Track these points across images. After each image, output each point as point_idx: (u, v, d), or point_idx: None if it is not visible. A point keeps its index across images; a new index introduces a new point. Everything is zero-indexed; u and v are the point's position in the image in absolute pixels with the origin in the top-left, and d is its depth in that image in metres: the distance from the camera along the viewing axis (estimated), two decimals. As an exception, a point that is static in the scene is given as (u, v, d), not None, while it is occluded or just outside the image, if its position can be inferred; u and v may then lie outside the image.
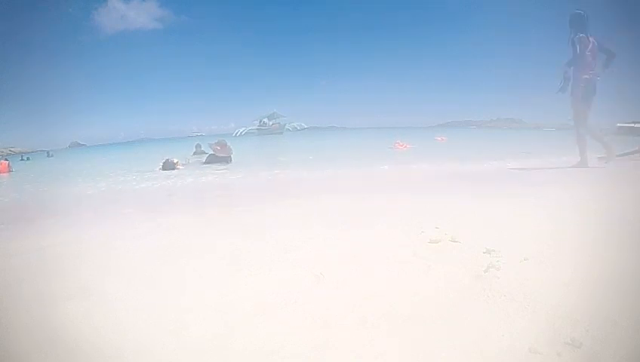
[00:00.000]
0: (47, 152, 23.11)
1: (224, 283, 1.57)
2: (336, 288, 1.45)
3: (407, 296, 1.35)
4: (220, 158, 7.80)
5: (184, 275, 1.70)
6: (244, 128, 36.75)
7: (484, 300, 1.29)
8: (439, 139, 14.16)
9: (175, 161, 7.70)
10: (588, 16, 3.86)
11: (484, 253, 1.70)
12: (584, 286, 1.37)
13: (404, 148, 10.31)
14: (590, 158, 4.31)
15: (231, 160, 7.91)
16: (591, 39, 3.84)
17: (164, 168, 7.52)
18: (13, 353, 1.17)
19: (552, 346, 1.01)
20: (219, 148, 7.92)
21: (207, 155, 8.17)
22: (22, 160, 16.90)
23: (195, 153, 10.21)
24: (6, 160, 11.41)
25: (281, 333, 1.16)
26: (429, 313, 1.23)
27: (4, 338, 1.24)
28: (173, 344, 1.14)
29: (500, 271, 1.49)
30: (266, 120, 36.98)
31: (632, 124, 17.16)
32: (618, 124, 18.19)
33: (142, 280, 1.68)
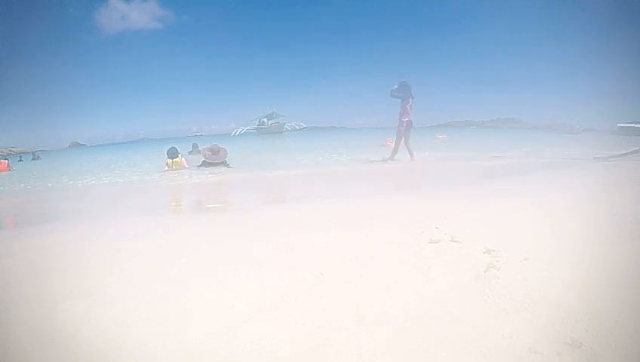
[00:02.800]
0: (33, 153, 18.07)
1: (224, 283, 1.57)
2: (336, 288, 1.45)
3: (407, 296, 1.35)
4: (213, 165, 7.43)
5: (184, 275, 1.70)
6: (242, 128, 36.80)
7: (484, 300, 1.29)
8: (440, 137, 14.65)
9: (180, 157, 7.59)
10: (410, 85, 6.92)
11: (484, 253, 1.70)
12: (584, 286, 1.37)
13: (392, 144, 11.20)
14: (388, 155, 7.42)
15: (226, 163, 7.56)
16: (410, 99, 6.87)
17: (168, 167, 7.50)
18: (13, 353, 1.17)
19: (552, 346, 1.01)
20: (210, 153, 7.53)
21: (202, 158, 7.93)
22: (20, 160, 16.78)
23: (190, 152, 10.14)
24: (6, 159, 11.66)
25: (281, 333, 1.16)
26: (429, 313, 1.23)
27: (4, 338, 1.24)
28: (173, 344, 1.15)
29: (500, 271, 1.49)
30: (265, 120, 36.97)
31: (633, 125, 17.26)
32: (619, 125, 18.33)
33: (142, 280, 1.67)
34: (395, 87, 6.96)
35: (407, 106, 6.82)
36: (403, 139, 7.06)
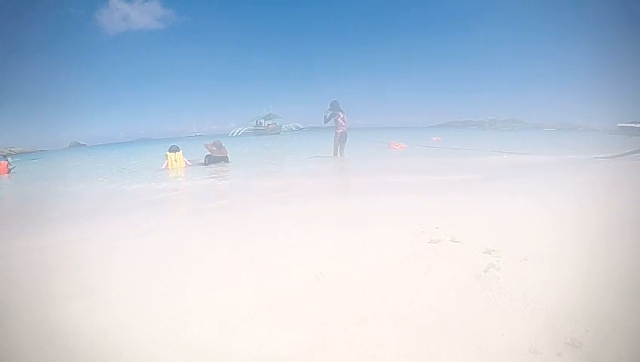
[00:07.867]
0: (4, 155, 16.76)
1: (224, 283, 1.58)
2: (336, 288, 1.45)
3: (407, 296, 1.35)
4: (218, 158, 7.88)
5: (184, 275, 1.70)
6: (240, 129, 36.88)
7: (484, 300, 1.29)
8: (434, 139, 15.04)
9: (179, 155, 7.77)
10: (338, 101, 7.98)
11: (484, 253, 1.70)
12: (584, 286, 1.37)
13: (398, 147, 11.17)
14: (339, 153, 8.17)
15: (228, 160, 8.02)
16: (342, 114, 7.88)
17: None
18: (13, 353, 1.17)
19: (552, 346, 1.01)
20: (215, 148, 7.97)
21: (203, 157, 8.11)
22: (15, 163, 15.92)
23: None
24: (6, 160, 11.45)
25: (281, 333, 1.16)
26: (429, 313, 1.23)
27: (4, 339, 1.24)
28: (173, 344, 1.15)
29: (500, 271, 1.50)
30: (262, 120, 37.02)
31: (633, 124, 17.27)
32: (619, 124, 18.35)
33: (142, 280, 1.68)
34: (328, 107, 7.95)
35: (340, 120, 7.92)
36: (339, 145, 8.19)
